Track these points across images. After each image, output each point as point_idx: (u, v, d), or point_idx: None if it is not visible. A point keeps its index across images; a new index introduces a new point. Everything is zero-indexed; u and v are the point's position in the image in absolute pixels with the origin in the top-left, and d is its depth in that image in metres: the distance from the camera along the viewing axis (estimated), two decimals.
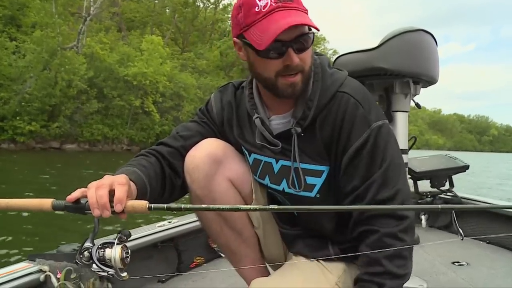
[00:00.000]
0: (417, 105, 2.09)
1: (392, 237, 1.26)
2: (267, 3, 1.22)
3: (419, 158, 3.32)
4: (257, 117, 1.41)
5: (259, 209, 1.03)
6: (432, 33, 1.99)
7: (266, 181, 1.49)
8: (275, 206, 1.03)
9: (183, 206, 1.02)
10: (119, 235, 1.14)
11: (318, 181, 1.38)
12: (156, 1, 45.52)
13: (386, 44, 1.91)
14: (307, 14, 1.26)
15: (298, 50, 1.24)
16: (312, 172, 1.38)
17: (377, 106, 1.36)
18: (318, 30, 1.23)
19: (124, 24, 42.19)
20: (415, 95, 2.03)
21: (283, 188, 1.45)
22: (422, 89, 2.05)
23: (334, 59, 2.08)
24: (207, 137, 1.50)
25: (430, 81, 2.00)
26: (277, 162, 1.43)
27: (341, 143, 1.31)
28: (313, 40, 1.27)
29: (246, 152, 1.52)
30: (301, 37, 1.23)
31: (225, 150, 1.49)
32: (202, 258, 2.49)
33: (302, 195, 1.41)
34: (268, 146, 1.42)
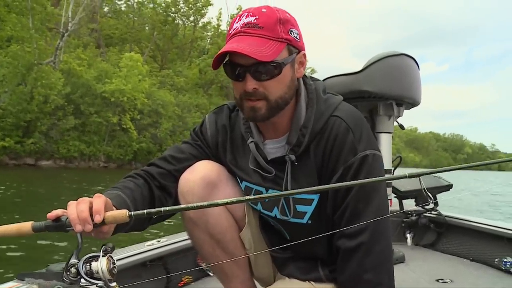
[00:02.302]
0: (401, 126, 2.15)
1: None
2: (237, 26, 1.26)
3: None
4: (251, 142, 1.41)
5: (236, 201, 1.06)
6: (409, 53, 2.04)
7: (259, 207, 1.51)
8: (252, 197, 1.05)
9: (162, 209, 1.04)
10: (103, 247, 1.12)
11: (308, 209, 1.39)
12: (135, 18, 45.43)
13: (370, 67, 1.96)
14: (278, 41, 1.24)
15: (258, 78, 1.24)
16: (302, 201, 1.38)
17: (369, 133, 1.35)
18: (267, 61, 1.21)
19: (103, 40, 41.96)
20: (399, 117, 2.08)
21: (275, 215, 1.46)
22: (405, 110, 2.10)
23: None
24: (200, 160, 1.49)
25: (412, 103, 2.06)
26: (267, 191, 1.43)
27: (329, 169, 1.32)
28: (280, 71, 1.25)
29: (238, 179, 1.52)
30: (259, 65, 1.22)
31: (219, 173, 1.48)
32: (190, 277, 2.48)
33: (294, 222, 1.42)
34: (261, 172, 1.41)
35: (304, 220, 1.41)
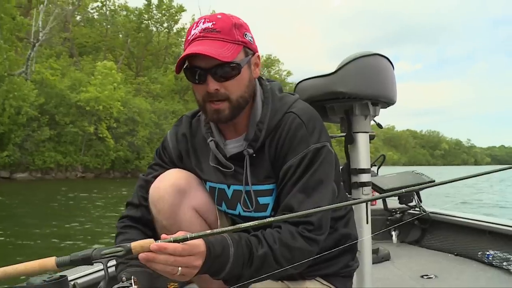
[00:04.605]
0: (379, 125, 2.16)
1: (293, 234, 1.29)
2: (195, 32, 1.32)
3: (386, 176, 3.37)
4: (211, 140, 1.46)
5: (259, 224, 1.06)
6: (384, 53, 2.06)
7: (223, 207, 1.53)
8: (272, 218, 1.09)
9: (188, 236, 1.04)
10: (132, 276, 1.16)
11: (270, 200, 1.43)
12: (109, 26, 45.13)
13: (343, 68, 1.96)
14: (235, 43, 1.31)
15: (219, 79, 1.30)
16: (263, 192, 1.42)
17: (322, 128, 1.42)
18: (227, 62, 1.27)
19: (76, 49, 41.52)
20: (375, 116, 2.08)
21: (239, 212, 1.48)
22: (381, 109, 2.11)
23: (296, 84, 2.13)
24: None
25: (388, 102, 2.07)
26: (229, 187, 1.48)
27: (280, 159, 1.38)
28: (239, 71, 1.32)
29: (203, 182, 1.55)
30: (219, 66, 1.28)
31: (189, 180, 1.51)
32: (176, 284, 2.46)
33: (257, 216, 1.44)
34: (221, 168, 1.46)
35: (268, 213, 1.44)
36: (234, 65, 1.30)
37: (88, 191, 18.82)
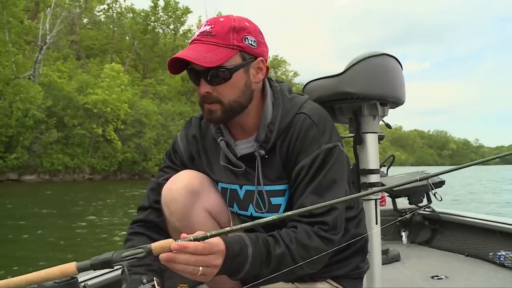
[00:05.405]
0: (387, 125, 2.15)
1: (309, 234, 1.29)
2: (195, 35, 1.35)
3: (396, 176, 3.35)
4: (221, 140, 1.45)
5: (278, 218, 1.10)
6: (391, 52, 2.05)
7: (235, 208, 1.52)
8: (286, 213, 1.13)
9: (208, 234, 1.05)
10: (153, 277, 1.18)
11: (282, 201, 1.42)
12: (115, 29, 45.33)
13: (351, 69, 1.95)
14: (228, 47, 1.30)
15: (210, 82, 1.32)
16: (276, 192, 1.42)
17: (333, 128, 1.42)
18: (214, 66, 1.28)
19: (83, 52, 41.73)
20: (384, 116, 2.07)
21: (251, 213, 1.47)
22: (390, 110, 2.10)
23: (304, 84, 2.12)
24: None
25: (397, 102, 2.05)
26: (241, 188, 1.47)
27: (292, 159, 1.38)
28: (230, 76, 1.31)
29: (215, 183, 1.54)
30: (209, 70, 1.30)
31: (202, 181, 1.49)
32: (185, 285, 2.45)
33: None
34: (232, 167, 1.45)
35: (280, 214, 1.42)
36: (224, 69, 1.30)
37: (96, 192, 18.91)
